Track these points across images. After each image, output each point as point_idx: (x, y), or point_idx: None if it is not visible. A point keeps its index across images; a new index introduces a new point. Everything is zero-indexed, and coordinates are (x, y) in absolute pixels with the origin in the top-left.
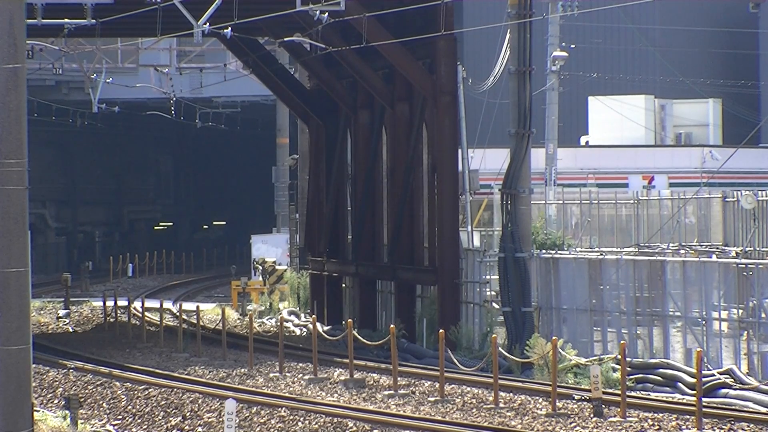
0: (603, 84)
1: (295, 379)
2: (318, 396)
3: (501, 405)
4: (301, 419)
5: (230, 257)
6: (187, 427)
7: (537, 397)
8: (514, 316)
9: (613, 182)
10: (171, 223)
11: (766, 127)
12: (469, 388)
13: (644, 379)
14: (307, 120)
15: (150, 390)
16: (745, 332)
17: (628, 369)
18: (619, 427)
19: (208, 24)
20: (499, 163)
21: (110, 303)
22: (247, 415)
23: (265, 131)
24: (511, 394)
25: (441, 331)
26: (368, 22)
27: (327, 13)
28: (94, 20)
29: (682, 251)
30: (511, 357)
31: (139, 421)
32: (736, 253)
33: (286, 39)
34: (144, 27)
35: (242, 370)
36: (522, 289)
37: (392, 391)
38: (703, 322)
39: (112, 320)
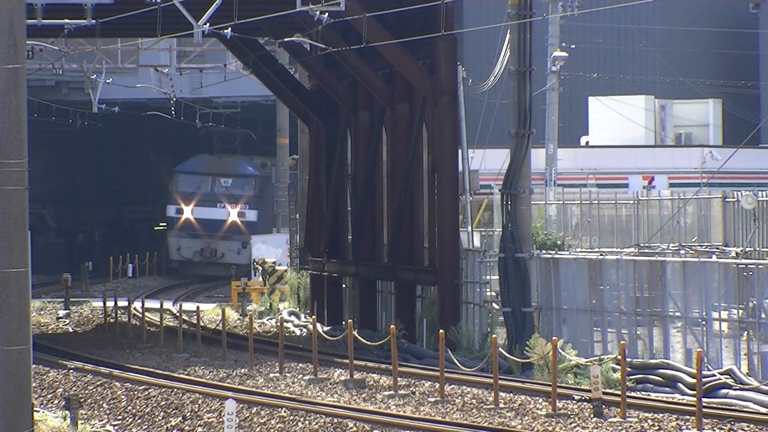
0: (603, 84)
1: (295, 379)
2: (318, 396)
3: (501, 405)
4: (301, 419)
5: None
6: (187, 428)
7: (537, 398)
8: (514, 316)
9: (613, 182)
10: None
11: (766, 127)
12: (469, 389)
13: (644, 379)
14: (307, 120)
15: (150, 390)
16: (745, 332)
17: (628, 369)
18: (619, 428)
19: (208, 24)
20: (499, 164)
21: (110, 303)
22: (247, 415)
23: (265, 131)
24: (511, 395)
25: (441, 331)
26: (368, 22)
27: (327, 14)
28: (94, 20)
29: (682, 251)
30: (511, 357)
31: (139, 421)
32: (736, 253)
33: (286, 39)
34: (144, 27)
35: (242, 370)
36: (522, 290)
37: (392, 392)
38: (703, 323)
39: (112, 320)
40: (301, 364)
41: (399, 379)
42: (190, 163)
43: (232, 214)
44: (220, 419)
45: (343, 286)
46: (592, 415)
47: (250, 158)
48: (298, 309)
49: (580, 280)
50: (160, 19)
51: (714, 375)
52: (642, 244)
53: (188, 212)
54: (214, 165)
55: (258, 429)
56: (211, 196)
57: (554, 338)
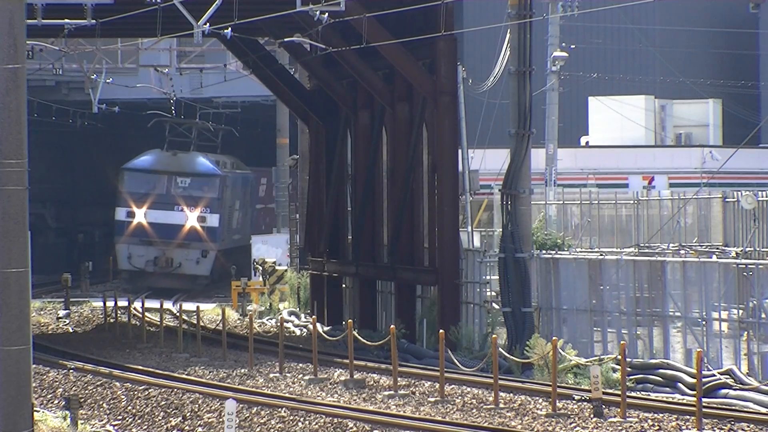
0: (603, 84)
1: (295, 379)
2: (318, 396)
3: (501, 405)
4: (301, 420)
5: None
6: (187, 428)
7: (537, 398)
8: (514, 316)
9: (613, 183)
10: None
11: (766, 127)
12: (469, 389)
13: (644, 379)
14: (307, 120)
15: (150, 390)
16: (745, 332)
17: (628, 369)
18: (619, 428)
19: (208, 24)
20: (499, 164)
21: (110, 303)
22: (248, 415)
23: (265, 131)
24: (511, 395)
25: (441, 331)
26: (368, 22)
27: (327, 14)
28: (94, 20)
29: (682, 251)
30: (511, 357)
31: (139, 421)
32: (736, 253)
33: (286, 39)
34: (144, 27)
35: (242, 370)
36: (522, 290)
37: (392, 392)
38: (703, 323)
39: (112, 320)
40: (301, 364)
41: (399, 379)
42: (143, 159)
43: (191, 218)
44: (220, 419)
45: (343, 286)
46: (592, 415)
47: (205, 155)
48: (298, 309)
49: (580, 280)
50: (160, 19)
51: (714, 375)
52: (642, 244)
53: (140, 216)
54: (170, 162)
55: (258, 429)
56: (166, 198)
57: (554, 338)
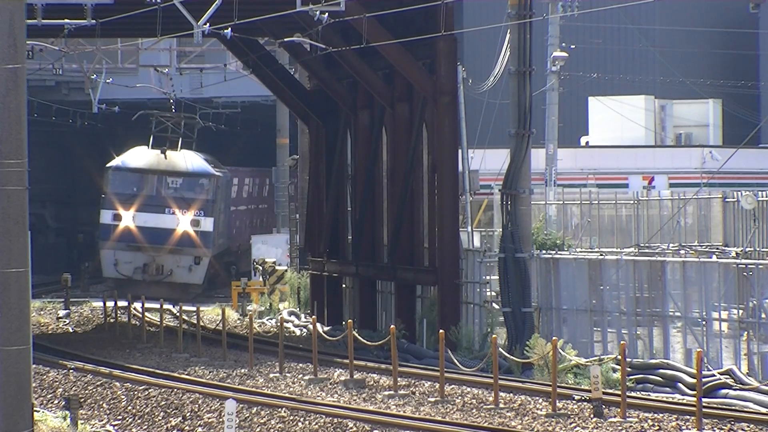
0: (603, 84)
1: (295, 379)
2: (318, 396)
3: (501, 405)
4: (301, 420)
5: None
6: (187, 428)
7: (537, 398)
8: (514, 316)
9: (613, 183)
10: None
11: (766, 127)
12: (469, 389)
13: (644, 379)
14: (307, 120)
15: (150, 390)
16: (745, 332)
17: (628, 369)
18: (619, 428)
19: (208, 24)
20: (499, 164)
21: (110, 303)
22: (248, 415)
23: (265, 131)
24: (511, 395)
25: (441, 331)
26: (368, 22)
27: (327, 14)
28: (94, 20)
29: (682, 251)
30: (511, 357)
31: (139, 421)
32: (736, 253)
33: (286, 39)
34: (144, 27)
35: (242, 370)
36: (522, 290)
37: (392, 392)
38: (703, 323)
39: (112, 321)
40: (301, 364)
41: (399, 379)
42: (130, 158)
43: (183, 221)
44: (220, 419)
45: (343, 286)
46: (592, 415)
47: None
48: (298, 309)
49: (580, 280)
50: (160, 19)
51: (714, 375)
52: (642, 244)
53: (128, 219)
54: (160, 160)
55: (258, 429)
56: (156, 200)
57: (554, 338)
